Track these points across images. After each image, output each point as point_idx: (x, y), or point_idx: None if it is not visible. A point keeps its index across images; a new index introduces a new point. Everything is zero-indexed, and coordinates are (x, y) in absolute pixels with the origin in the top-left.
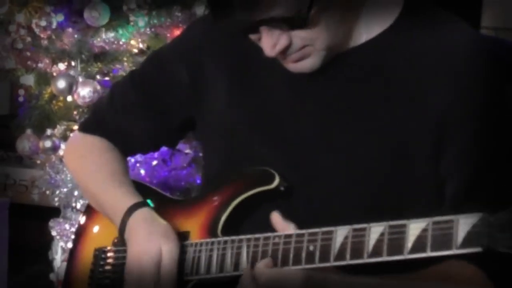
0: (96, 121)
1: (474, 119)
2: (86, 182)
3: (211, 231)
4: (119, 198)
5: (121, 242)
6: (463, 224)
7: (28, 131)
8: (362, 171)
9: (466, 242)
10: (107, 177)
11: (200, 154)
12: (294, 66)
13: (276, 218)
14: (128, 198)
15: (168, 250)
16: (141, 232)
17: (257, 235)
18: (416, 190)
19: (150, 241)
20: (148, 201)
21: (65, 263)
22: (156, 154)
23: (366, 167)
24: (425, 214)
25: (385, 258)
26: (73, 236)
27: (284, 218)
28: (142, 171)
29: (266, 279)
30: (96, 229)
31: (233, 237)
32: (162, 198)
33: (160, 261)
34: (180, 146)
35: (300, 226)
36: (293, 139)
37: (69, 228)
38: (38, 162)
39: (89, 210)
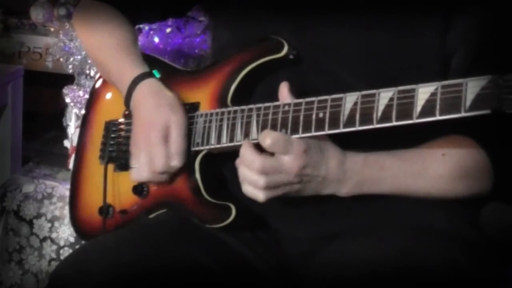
0: None
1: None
2: (94, 49)
3: (221, 101)
4: (125, 67)
5: (130, 115)
6: (472, 87)
7: None
8: (370, 40)
9: (475, 105)
10: (115, 44)
11: None
12: None
13: (282, 87)
14: (135, 68)
15: (176, 121)
16: (147, 104)
17: (266, 104)
18: (423, 62)
19: (157, 113)
20: (154, 71)
21: (78, 130)
22: (170, 22)
23: (373, 37)
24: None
25: (394, 123)
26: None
27: (290, 91)
28: (156, 39)
29: (271, 140)
30: (109, 96)
31: (243, 107)
32: (173, 69)
33: (168, 134)
34: (193, 13)
35: (310, 95)
36: (302, 9)
37: (83, 95)
38: (52, 29)
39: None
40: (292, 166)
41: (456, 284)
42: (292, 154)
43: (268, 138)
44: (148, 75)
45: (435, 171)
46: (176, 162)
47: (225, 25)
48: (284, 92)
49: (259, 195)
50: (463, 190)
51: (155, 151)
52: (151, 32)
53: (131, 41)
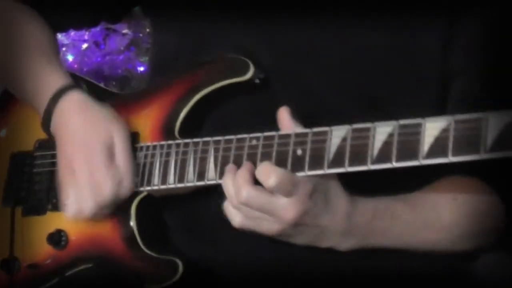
0: None
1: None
2: (4, 54)
3: (166, 131)
4: (44, 78)
5: (45, 144)
6: (495, 123)
7: None
8: (357, 46)
9: (498, 144)
10: (32, 50)
11: (141, 35)
12: None
13: (282, 114)
14: (56, 79)
15: (119, 134)
16: (76, 122)
17: (228, 137)
18: (418, 84)
19: (93, 130)
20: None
21: None
22: (86, 36)
23: (361, 43)
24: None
25: (394, 164)
26: None
27: (292, 116)
28: (70, 57)
29: (277, 179)
30: (15, 121)
31: (197, 139)
32: (100, 91)
33: (112, 152)
34: (115, 25)
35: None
36: (267, 6)
37: None
38: None
39: (5, 98)
40: (288, 211)
41: None
42: (295, 196)
43: (273, 177)
44: (72, 87)
45: (448, 218)
46: (127, 183)
47: (169, 29)
48: (285, 119)
49: (234, 222)
50: (472, 242)
51: (101, 177)
52: (64, 49)
53: (52, 49)
